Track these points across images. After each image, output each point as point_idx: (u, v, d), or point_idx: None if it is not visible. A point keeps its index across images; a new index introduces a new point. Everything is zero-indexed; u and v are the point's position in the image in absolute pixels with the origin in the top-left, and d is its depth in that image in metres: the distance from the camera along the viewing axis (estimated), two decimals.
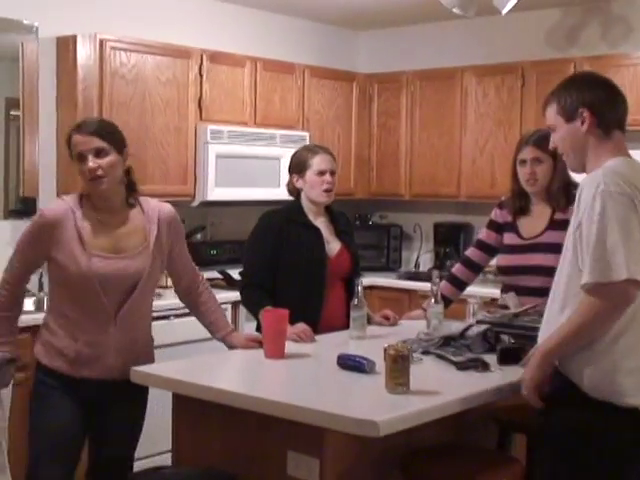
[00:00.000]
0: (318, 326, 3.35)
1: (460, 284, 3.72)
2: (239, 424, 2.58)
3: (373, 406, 2.38)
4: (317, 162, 3.50)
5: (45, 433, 2.82)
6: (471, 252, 3.73)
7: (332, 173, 3.53)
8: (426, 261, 5.99)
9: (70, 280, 2.77)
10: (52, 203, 2.89)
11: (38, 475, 2.83)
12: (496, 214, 3.64)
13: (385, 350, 2.60)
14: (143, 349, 2.93)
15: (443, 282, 3.62)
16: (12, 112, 4.56)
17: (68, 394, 2.81)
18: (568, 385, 2.34)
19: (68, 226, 2.76)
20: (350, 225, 3.84)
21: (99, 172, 2.74)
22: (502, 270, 3.57)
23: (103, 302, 2.78)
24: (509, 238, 3.52)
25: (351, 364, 2.72)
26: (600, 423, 2.30)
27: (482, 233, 3.71)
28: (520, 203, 3.50)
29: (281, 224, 3.48)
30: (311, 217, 3.54)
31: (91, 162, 2.73)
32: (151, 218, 2.90)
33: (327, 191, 3.51)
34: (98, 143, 2.76)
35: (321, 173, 3.50)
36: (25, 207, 4.58)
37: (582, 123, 2.42)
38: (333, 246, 3.55)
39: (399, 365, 2.43)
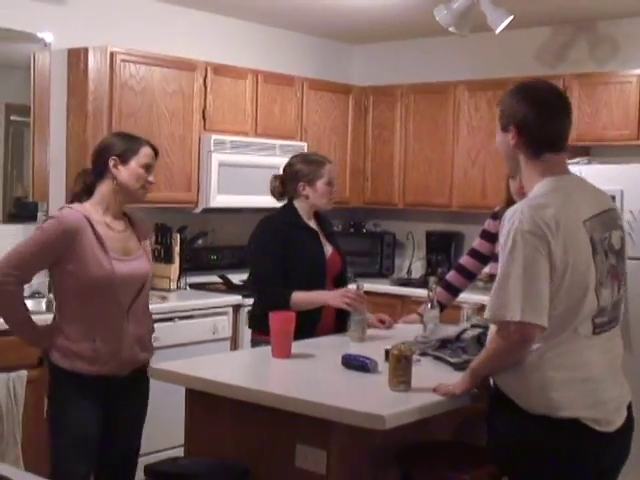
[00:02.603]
0: (317, 326, 3.55)
1: (454, 290, 3.90)
2: (250, 419, 2.76)
3: (378, 402, 2.56)
4: (327, 172, 3.69)
5: (69, 433, 2.96)
6: (465, 260, 3.92)
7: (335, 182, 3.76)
8: (418, 268, 6.18)
9: (92, 284, 2.90)
10: (64, 212, 2.96)
11: (64, 472, 2.96)
12: (489, 224, 3.83)
13: (388, 351, 2.79)
14: (148, 342, 3.14)
15: (438, 288, 3.80)
16: (12, 117, 4.73)
17: (87, 393, 2.95)
18: (505, 398, 2.43)
19: (87, 233, 2.91)
20: (333, 227, 3.99)
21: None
22: (494, 277, 3.75)
23: (120, 301, 2.96)
24: None
25: (355, 364, 2.91)
26: (540, 436, 2.36)
27: (476, 242, 3.89)
28: None
29: (284, 228, 3.63)
30: (306, 220, 3.72)
31: (152, 177, 3.07)
32: (141, 227, 3.16)
33: (333, 198, 3.73)
34: (155, 164, 3.13)
35: (330, 183, 3.69)
36: (24, 211, 4.72)
37: (512, 138, 2.44)
38: (327, 248, 3.75)
39: (402, 364, 2.62)
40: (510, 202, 3.67)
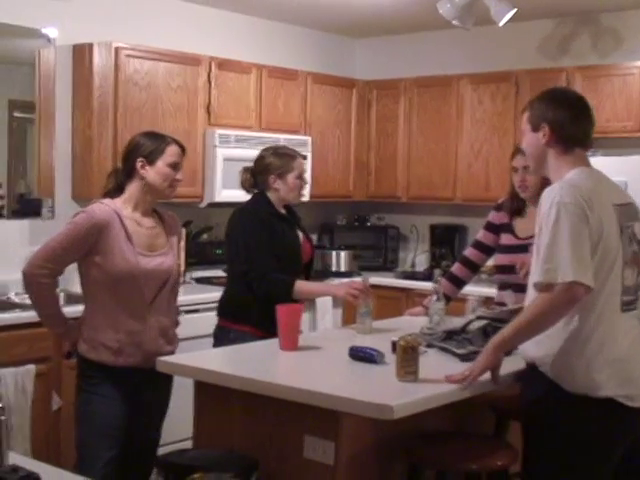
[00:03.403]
0: None
1: (459, 282, 3.92)
2: (258, 410, 2.78)
3: (386, 392, 2.58)
4: (297, 166, 3.70)
5: (95, 421, 3.05)
6: (469, 252, 3.94)
7: (305, 174, 3.77)
8: (422, 261, 6.20)
9: (117, 276, 3.00)
10: (95, 206, 3.05)
11: (90, 457, 3.04)
12: (493, 216, 3.85)
13: (395, 342, 2.82)
14: (173, 335, 3.23)
15: (443, 280, 3.82)
16: (15, 113, 4.74)
17: (113, 384, 3.05)
18: (553, 388, 2.57)
19: (115, 227, 3.00)
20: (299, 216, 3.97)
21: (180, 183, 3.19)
22: (499, 269, 3.79)
23: (143, 294, 3.05)
24: (505, 238, 3.73)
25: (362, 355, 2.93)
26: (579, 415, 2.55)
27: (480, 234, 3.91)
28: (516, 205, 3.71)
29: (267, 217, 3.63)
30: (279, 210, 3.73)
31: (180, 175, 3.13)
32: (170, 224, 3.24)
33: (302, 192, 3.75)
34: (182, 161, 3.18)
35: (301, 177, 3.70)
36: (28, 207, 4.73)
37: (543, 136, 2.67)
38: (299, 235, 3.79)
39: (409, 355, 2.65)
40: (514, 195, 3.70)
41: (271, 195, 3.69)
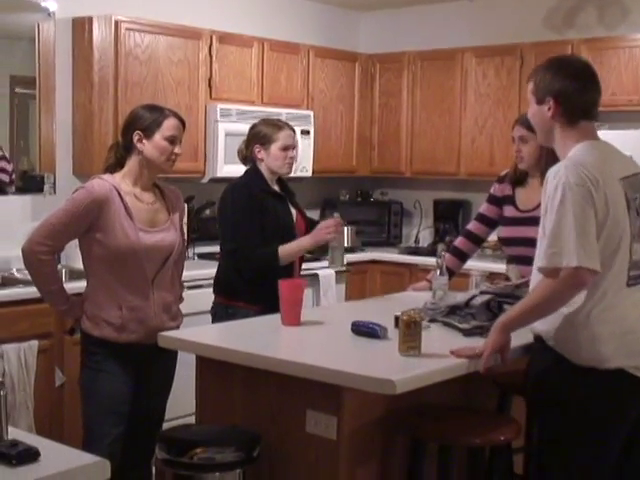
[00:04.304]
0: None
1: (462, 256, 3.88)
2: (261, 385, 2.77)
3: (389, 367, 2.57)
4: (283, 137, 3.64)
5: (100, 398, 3.04)
6: (473, 225, 3.91)
7: (294, 148, 3.70)
8: (426, 237, 6.17)
9: (118, 252, 2.98)
10: (94, 182, 3.02)
11: (97, 435, 3.02)
12: (495, 188, 3.82)
13: (397, 317, 2.80)
14: (176, 310, 3.21)
15: (447, 255, 3.79)
16: (17, 89, 4.72)
17: (117, 359, 3.03)
18: (560, 361, 2.56)
19: (115, 202, 2.97)
20: (294, 193, 3.93)
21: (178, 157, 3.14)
22: (503, 241, 3.76)
23: (144, 270, 3.03)
24: (508, 211, 3.70)
25: (365, 330, 2.92)
26: (589, 387, 2.53)
27: (482, 207, 3.88)
28: (518, 174, 3.69)
29: (257, 193, 3.59)
30: (271, 185, 3.69)
31: (178, 148, 3.08)
32: (172, 199, 3.21)
33: (290, 164, 3.69)
34: (182, 135, 3.11)
35: (285, 148, 3.64)
36: (30, 184, 4.69)
37: (548, 109, 2.61)
38: (293, 212, 3.76)
39: (412, 330, 2.63)
40: (516, 165, 3.67)
41: (262, 168, 3.66)
